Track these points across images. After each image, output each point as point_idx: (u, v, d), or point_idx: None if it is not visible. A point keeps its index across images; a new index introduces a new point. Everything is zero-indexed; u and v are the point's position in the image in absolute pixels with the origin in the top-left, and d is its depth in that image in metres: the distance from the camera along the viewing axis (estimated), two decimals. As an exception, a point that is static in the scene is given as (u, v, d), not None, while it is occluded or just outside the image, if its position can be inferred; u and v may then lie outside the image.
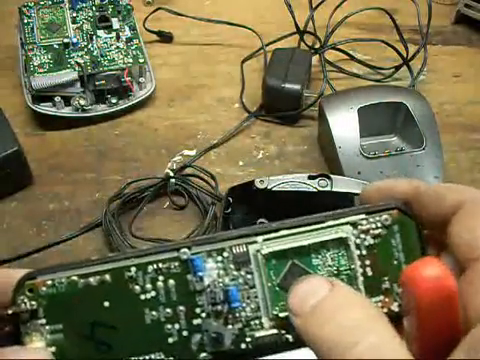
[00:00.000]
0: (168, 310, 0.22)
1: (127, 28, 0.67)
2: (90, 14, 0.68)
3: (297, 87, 0.61)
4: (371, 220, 0.23)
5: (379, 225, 0.23)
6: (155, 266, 0.22)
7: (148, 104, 0.66)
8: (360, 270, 0.23)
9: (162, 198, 0.57)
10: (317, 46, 0.70)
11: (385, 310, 0.23)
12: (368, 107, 0.56)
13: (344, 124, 0.56)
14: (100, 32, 0.66)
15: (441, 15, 0.77)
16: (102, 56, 0.64)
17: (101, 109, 0.63)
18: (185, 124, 0.64)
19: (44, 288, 0.22)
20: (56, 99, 0.61)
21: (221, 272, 0.22)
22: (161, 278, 0.22)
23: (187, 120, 0.65)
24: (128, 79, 0.63)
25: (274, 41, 0.71)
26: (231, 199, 0.47)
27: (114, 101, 0.63)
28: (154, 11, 0.73)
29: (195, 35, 0.74)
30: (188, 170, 0.59)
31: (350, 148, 0.55)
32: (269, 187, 0.47)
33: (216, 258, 0.23)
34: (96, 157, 0.61)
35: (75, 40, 0.65)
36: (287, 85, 0.61)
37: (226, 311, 0.22)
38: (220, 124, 0.64)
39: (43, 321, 0.22)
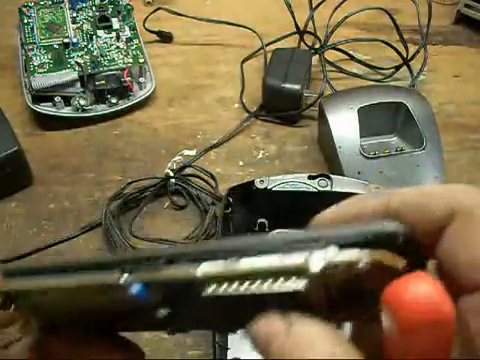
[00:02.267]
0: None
1: (127, 28, 0.67)
2: (90, 14, 0.68)
3: (297, 87, 0.61)
4: (341, 266, 0.18)
5: (350, 273, 0.18)
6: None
7: (148, 104, 0.66)
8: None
9: (162, 198, 0.57)
10: (317, 46, 0.70)
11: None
12: (368, 107, 0.56)
13: (344, 124, 0.56)
14: (100, 32, 0.67)
15: (441, 15, 0.77)
16: (102, 56, 0.64)
17: (101, 109, 0.63)
18: (185, 124, 0.64)
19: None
20: (56, 99, 0.61)
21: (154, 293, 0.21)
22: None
23: (187, 120, 0.65)
24: (128, 79, 0.63)
25: (274, 41, 0.71)
26: (231, 199, 0.47)
27: (114, 101, 0.63)
28: (154, 11, 0.73)
29: (195, 35, 0.74)
30: (188, 170, 0.59)
31: (350, 148, 0.55)
32: (269, 187, 0.47)
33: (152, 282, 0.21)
34: (96, 157, 0.61)
35: (75, 40, 0.65)
36: (287, 85, 0.61)
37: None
38: (220, 124, 0.64)
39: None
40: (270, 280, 0.19)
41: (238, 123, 0.63)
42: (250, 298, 0.19)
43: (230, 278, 0.19)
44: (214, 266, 0.19)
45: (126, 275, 0.20)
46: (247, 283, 0.19)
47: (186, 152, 0.61)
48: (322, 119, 0.58)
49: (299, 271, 0.18)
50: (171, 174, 0.56)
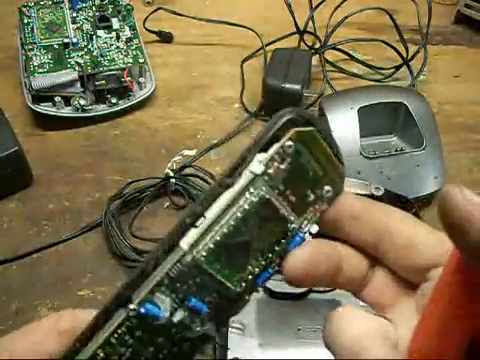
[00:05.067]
0: (150, 349, 0.22)
1: (127, 28, 0.67)
2: (90, 14, 0.68)
3: (297, 87, 0.61)
4: (275, 156, 0.21)
5: (285, 157, 0.21)
6: (116, 336, 0.22)
7: (148, 104, 0.66)
8: (284, 203, 0.22)
9: (162, 198, 0.57)
10: (317, 46, 0.70)
11: (317, 215, 0.22)
12: (368, 107, 0.56)
13: (344, 124, 0.56)
14: (100, 32, 0.66)
15: (441, 15, 0.77)
16: (102, 56, 0.64)
17: (101, 109, 0.63)
18: (185, 124, 0.64)
19: None
20: (56, 99, 0.61)
21: (173, 295, 0.22)
22: (128, 337, 0.22)
23: (187, 120, 0.65)
24: (128, 79, 0.63)
25: (274, 41, 0.71)
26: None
27: (114, 101, 0.63)
28: (154, 11, 0.73)
29: (195, 35, 0.74)
30: (188, 170, 0.59)
31: (350, 148, 0.55)
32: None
33: (161, 290, 0.21)
34: (96, 157, 0.61)
35: (75, 40, 0.65)
36: (287, 85, 0.61)
37: (198, 317, 0.22)
38: (220, 124, 0.64)
39: None
40: (237, 205, 0.21)
41: (238, 123, 0.63)
42: (236, 230, 0.22)
43: (210, 230, 0.21)
44: (191, 236, 0.21)
45: (131, 306, 0.21)
46: (224, 222, 0.21)
47: (186, 152, 0.60)
48: (322, 119, 0.58)
49: (252, 182, 0.21)
50: (171, 174, 0.56)
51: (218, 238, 0.21)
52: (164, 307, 0.22)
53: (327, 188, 0.22)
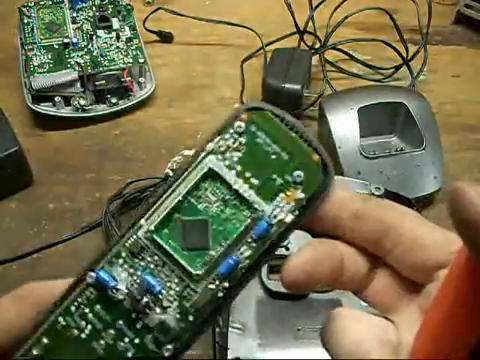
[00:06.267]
0: (111, 331, 0.23)
1: (127, 28, 0.67)
2: (90, 14, 0.68)
3: (297, 87, 0.61)
4: (227, 136, 0.22)
5: (236, 136, 0.22)
6: (76, 304, 0.23)
7: (148, 104, 0.66)
8: (245, 186, 0.22)
9: (162, 198, 0.57)
10: (317, 46, 0.70)
11: (292, 203, 0.22)
12: (368, 107, 0.56)
13: (344, 124, 0.56)
14: (100, 32, 0.66)
15: (441, 15, 0.77)
16: (102, 56, 0.64)
17: (101, 109, 0.63)
18: (185, 124, 0.64)
19: None
20: (56, 99, 0.61)
21: (130, 270, 0.23)
22: (87, 310, 0.23)
23: (187, 120, 0.65)
24: (128, 79, 0.63)
25: (274, 41, 0.71)
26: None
27: (114, 101, 0.63)
28: (154, 11, 0.73)
29: (195, 35, 0.74)
30: (188, 170, 0.59)
31: (350, 148, 0.55)
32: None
33: (118, 262, 0.23)
34: (96, 157, 0.61)
35: (75, 40, 0.65)
36: (287, 85, 0.61)
37: (153, 299, 0.22)
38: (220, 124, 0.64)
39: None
40: (187, 180, 0.23)
41: (238, 123, 0.63)
42: (189, 206, 0.23)
43: (163, 205, 0.23)
44: (149, 212, 0.23)
45: (90, 273, 0.23)
46: (174, 196, 0.22)
47: (186, 152, 0.60)
48: (322, 119, 0.58)
49: (203, 159, 0.23)
50: (171, 174, 0.56)
51: (168, 211, 0.22)
52: (119, 278, 0.23)
53: (297, 173, 0.22)
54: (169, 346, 0.22)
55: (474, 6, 0.74)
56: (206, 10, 0.76)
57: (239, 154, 0.22)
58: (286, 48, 0.67)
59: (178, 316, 0.22)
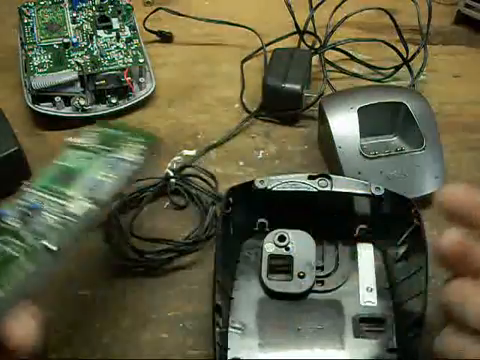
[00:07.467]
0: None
1: (127, 28, 0.67)
2: (90, 14, 0.68)
3: (297, 87, 0.61)
4: None
5: None
6: None
7: (148, 104, 0.66)
8: None
9: (162, 198, 0.57)
10: (317, 46, 0.70)
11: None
12: (368, 107, 0.56)
13: (344, 124, 0.56)
14: (100, 32, 0.67)
15: (441, 15, 0.77)
16: (102, 56, 0.64)
17: (101, 109, 0.63)
18: (185, 124, 0.64)
19: None
20: (56, 99, 0.61)
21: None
22: None
23: (187, 120, 0.65)
24: (128, 79, 0.63)
25: (274, 41, 0.71)
26: (231, 199, 0.47)
27: (114, 101, 0.63)
28: (154, 11, 0.73)
29: (195, 35, 0.74)
30: (188, 170, 0.59)
31: (350, 148, 0.55)
32: (269, 187, 0.47)
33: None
34: (96, 157, 0.61)
35: (75, 40, 0.65)
36: (287, 85, 0.61)
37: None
38: (220, 124, 0.64)
39: None
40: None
41: (238, 123, 0.64)
42: None
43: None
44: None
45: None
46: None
47: (186, 152, 0.61)
48: (322, 119, 0.58)
49: None
50: (171, 174, 0.56)
51: None
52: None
53: None
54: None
55: (474, 6, 0.74)
56: (206, 10, 0.76)
57: None
58: (286, 48, 0.67)
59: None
